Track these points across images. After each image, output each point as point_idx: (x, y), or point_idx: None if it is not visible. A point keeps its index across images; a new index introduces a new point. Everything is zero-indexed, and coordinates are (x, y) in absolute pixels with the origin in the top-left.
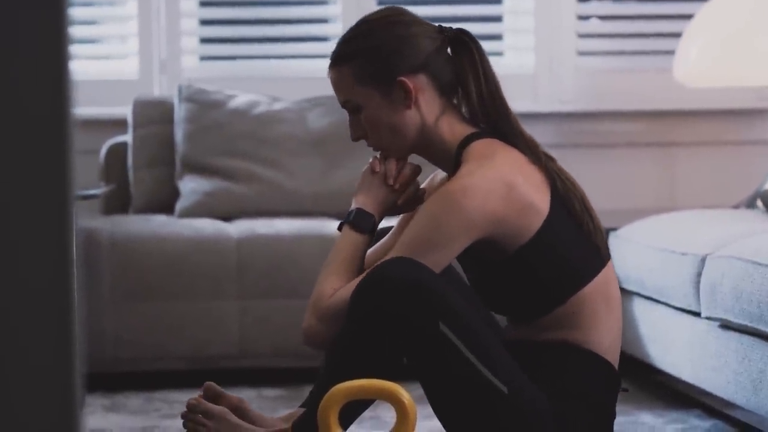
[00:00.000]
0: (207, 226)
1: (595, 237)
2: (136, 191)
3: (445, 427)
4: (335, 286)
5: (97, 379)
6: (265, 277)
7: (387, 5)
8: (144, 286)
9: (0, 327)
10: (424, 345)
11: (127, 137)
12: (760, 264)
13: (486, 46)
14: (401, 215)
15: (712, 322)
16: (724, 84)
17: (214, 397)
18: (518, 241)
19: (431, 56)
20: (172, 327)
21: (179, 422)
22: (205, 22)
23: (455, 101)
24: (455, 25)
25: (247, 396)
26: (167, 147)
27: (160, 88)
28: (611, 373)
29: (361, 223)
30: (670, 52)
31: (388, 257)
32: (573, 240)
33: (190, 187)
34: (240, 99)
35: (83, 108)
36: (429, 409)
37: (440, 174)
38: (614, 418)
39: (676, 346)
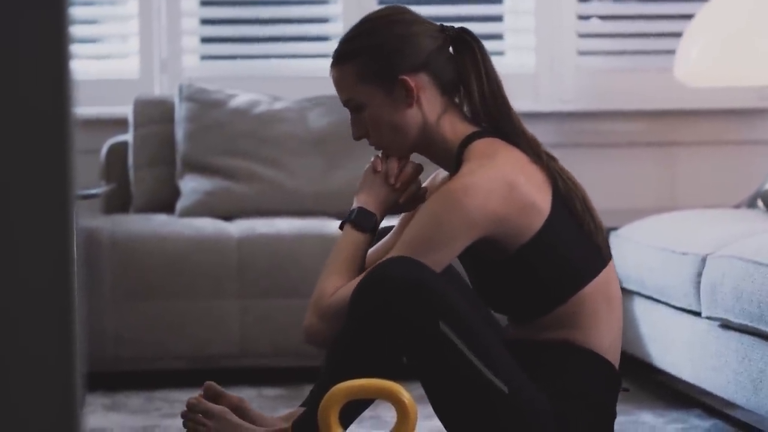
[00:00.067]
0: (208, 225)
1: (596, 237)
2: (136, 190)
3: (445, 426)
4: (336, 285)
5: (97, 378)
6: (266, 276)
7: (389, 4)
8: (145, 286)
9: (1, 326)
10: (424, 344)
11: (128, 136)
12: (760, 264)
13: (487, 45)
14: (402, 214)
15: (712, 322)
16: (724, 84)
17: (215, 397)
18: (519, 241)
19: (433, 55)
20: (172, 326)
21: (180, 421)
22: (205, 22)
23: (457, 100)
24: (456, 25)
25: (247, 395)
26: (168, 146)
27: (161, 88)
28: (612, 373)
29: (363, 222)
30: (671, 52)
31: (388, 256)
32: (574, 240)
33: (191, 186)
34: (241, 98)
35: (84, 107)
36: (429, 409)
37: (442, 173)
38: (615, 417)
39: (677, 346)
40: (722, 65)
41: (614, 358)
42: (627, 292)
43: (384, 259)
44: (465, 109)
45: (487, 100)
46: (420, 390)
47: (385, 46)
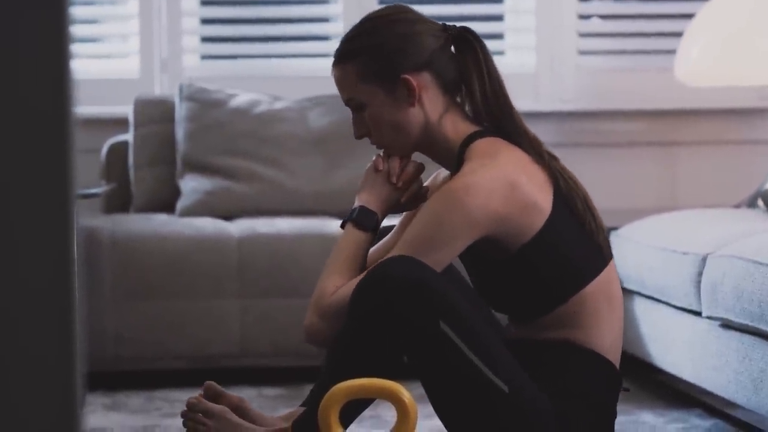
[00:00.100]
0: (208, 225)
1: (597, 236)
2: (137, 190)
3: (445, 426)
4: (337, 284)
5: (97, 378)
6: (266, 276)
7: (391, 3)
8: (145, 285)
9: (1, 326)
10: (424, 344)
11: (128, 136)
12: (761, 263)
13: (487, 45)
14: (404, 213)
15: (712, 322)
16: (725, 83)
17: (215, 397)
18: (520, 240)
19: (435, 54)
20: (173, 326)
21: (180, 421)
22: (206, 21)
23: (459, 99)
24: (457, 24)
25: (247, 395)
26: (168, 146)
27: (161, 87)
28: (612, 373)
29: (364, 221)
30: (672, 52)
31: (389, 255)
32: (575, 239)
33: (191, 186)
34: (241, 98)
35: (84, 107)
36: (429, 408)
37: (443, 172)
38: (615, 417)
39: (677, 346)
40: (723, 65)
41: (615, 358)
42: (627, 292)
43: (384, 258)
44: (467, 108)
45: (489, 99)
46: (420, 389)
47: (387, 46)
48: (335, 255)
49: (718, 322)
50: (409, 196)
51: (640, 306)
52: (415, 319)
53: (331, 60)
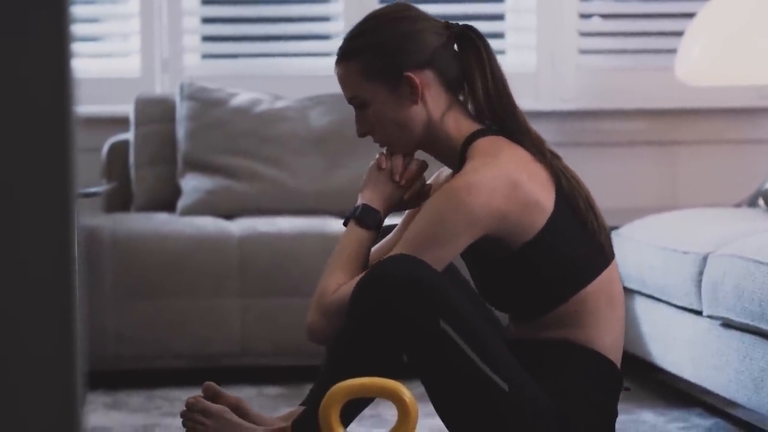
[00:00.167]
0: (209, 224)
1: (599, 235)
2: (137, 189)
3: (446, 425)
4: (339, 282)
5: (98, 377)
6: (267, 275)
7: (393, 1)
8: (145, 284)
9: (1, 325)
10: (424, 342)
11: (129, 135)
12: (761, 263)
13: None
14: (406, 211)
15: (713, 321)
16: (725, 83)
17: (213, 397)
18: (522, 239)
19: (438, 52)
20: (173, 325)
21: (180, 420)
22: (207, 20)
23: (461, 98)
24: (459, 22)
25: (248, 394)
26: (169, 145)
27: (162, 86)
28: (613, 372)
29: (367, 219)
30: (672, 51)
31: (390, 253)
32: (577, 238)
33: (192, 185)
34: (242, 97)
35: (85, 106)
36: (430, 407)
37: (446, 170)
38: (616, 416)
39: (678, 345)
40: (723, 64)
41: (616, 358)
42: (628, 291)
43: (385, 256)
44: (469, 106)
45: (491, 97)
46: (420, 388)
47: (390, 43)
48: (337, 253)
49: (719, 322)
50: (411, 194)
51: (640, 305)
52: (415, 317)
53: (332, 59)
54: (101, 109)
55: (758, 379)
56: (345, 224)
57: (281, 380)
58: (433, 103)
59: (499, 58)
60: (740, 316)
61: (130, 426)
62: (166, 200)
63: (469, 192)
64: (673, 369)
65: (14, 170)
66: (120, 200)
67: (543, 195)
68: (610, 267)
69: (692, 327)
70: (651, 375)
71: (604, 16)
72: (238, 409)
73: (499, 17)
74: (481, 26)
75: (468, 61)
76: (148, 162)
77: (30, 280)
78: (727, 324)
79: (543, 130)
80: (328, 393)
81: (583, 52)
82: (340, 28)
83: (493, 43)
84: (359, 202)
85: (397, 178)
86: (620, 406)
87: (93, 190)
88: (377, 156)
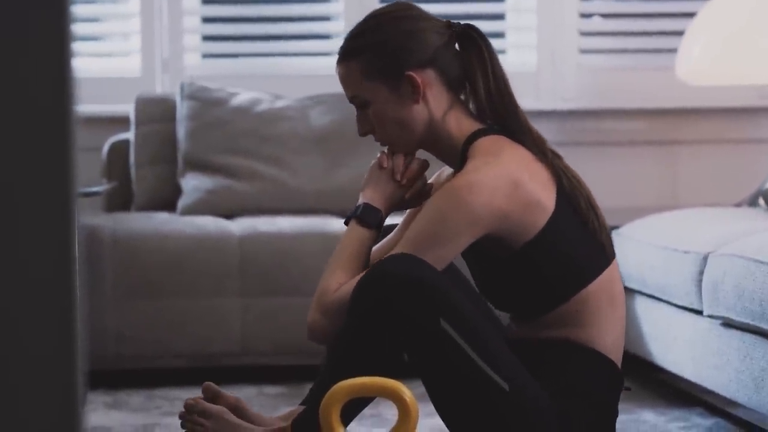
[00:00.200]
0: (209, 223)
1: (600, 235)
2: (138, 189)
3: (446, 424)
4: (340, 281)
5: (98, 377)
6: (267, 274)
7: (394, 1)
8: (146, 284)
9: (2, 324)
10: (425, 342)
11: (130, 135)
12: (762, 262)
13: None
14: (407, 210)
15: (714, 321)
16: (726, 82)
17: (213, 397)
18: (523, 238)
19: (439, 51)
20: (174, 324)
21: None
22: (207, 20)
23: (463, 97)
24: (461, 22)
25: (248, 393)
26: (169, 144)
27: (163, 86)
28: (614, 372)
29: (368, 218)
30: (673, 50)
31: (391, 253)
32: (578, 238)
33: (193, 184)
34: (242, 97)
35: (85, 105)
36: (430, 407)
37: (447, 170)
38: (617, 416)
39: (678, 345)
40: (724, 64)
41: (617, 357)
42: (628, 291)
43: (386, 256)
44: (471, 106)
45: (493, 97)
46: (421, 388)
47: (391, 43)
48: (338, 252)
49: (719, 321)
50: (413, 194)
51: (641, 305)
52: (416, 316)
53: (332, 58)
54: (101, 109)
55: (759, 379)
56: (346, 223)
57: (281, 380)
58: (435, 103)
59: (500, 58)
60: (741, 316)
61: (131, 426)
62: (167, 200)
63: (471, 191)
64: (674, 368)
65: (14, 170)
66: (120, 200)
67: (544, 194)
68: (611, 266)
69: (693, 326)
70: (651, 375)
71: (605, 16)
72: (237, 409)
73: (499, 17)
74: (482, 26)
75: (469, 60)
76: (148, 161)
77: (30, 279)
78: (728, 323)
79: (544, 129)
80: (329, 392)
81: (584, 51)
82: (340, 28)
83: (494, 43)
84: (360, 201)
85: (398, 177)
86: (621, 406)
87: (93, 189)
88: (378, 155)
